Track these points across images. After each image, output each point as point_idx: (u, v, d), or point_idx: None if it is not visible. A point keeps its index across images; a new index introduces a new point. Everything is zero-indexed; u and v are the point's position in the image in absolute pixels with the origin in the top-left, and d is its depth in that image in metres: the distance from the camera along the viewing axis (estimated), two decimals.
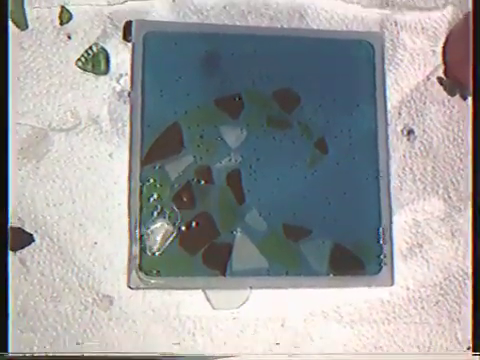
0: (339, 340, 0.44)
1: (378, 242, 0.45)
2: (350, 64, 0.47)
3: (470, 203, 0.46)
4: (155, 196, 0.43)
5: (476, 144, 0.43)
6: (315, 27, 0.47)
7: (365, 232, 0.45)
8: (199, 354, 0.42)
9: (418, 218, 0.46)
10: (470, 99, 0.49)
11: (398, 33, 0.48)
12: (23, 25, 0.44)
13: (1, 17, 0.41)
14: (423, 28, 0.49)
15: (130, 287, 0.42)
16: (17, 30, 0.44)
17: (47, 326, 0.41)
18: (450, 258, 0.46)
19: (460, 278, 0.46)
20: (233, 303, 0.43)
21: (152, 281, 0.42)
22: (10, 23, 0.44)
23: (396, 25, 0.48)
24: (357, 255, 0.44)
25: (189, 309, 0.43)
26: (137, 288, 0.42)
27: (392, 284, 0.44)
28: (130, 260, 0.42)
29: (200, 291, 0.43)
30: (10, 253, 0.41)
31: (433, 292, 0.45)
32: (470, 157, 0.47)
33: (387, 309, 0.45)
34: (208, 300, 0.43)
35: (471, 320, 0.39)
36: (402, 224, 0.46)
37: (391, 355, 0.44)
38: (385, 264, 0.44)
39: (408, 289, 0.45)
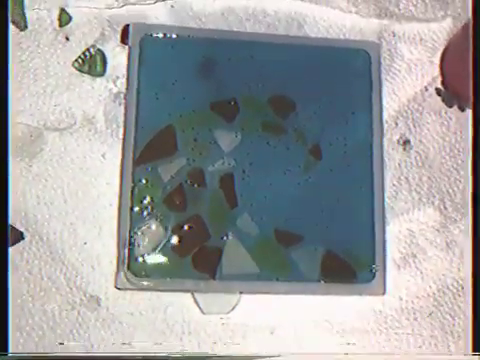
0: (328, 349, 0.43)
1: (371, 251, 0.44)
2: (347, 72, 0.47)
3: (470, 207, 0.45)
4: (147, 197, 0.43)
5: (476, 154, 0.43)
6: (313, 36, 0.48)
7: (358, 240, 0.44)
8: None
9: (413, 228, 0.46)
10: (469, 110, 0.48)
11: (396, 43, 0.48)
12: (22, 26, 0.45)
13: (1, 18, 0.41)
14: (421, 39, 0.49)
15: (117, 288, 0.41)
16: (16, 30, 0.44)
17: (33, 325, 0.41)
18: (444, 269, 0.45)
19: (454, 290, 0.45)
20: (222, 308, 0.43)
21: (140, 282, 0.41)
22: (10, 24, 0.44)
23: (394, 35, 0.49)
24: (349, 263, 0.44)
25: (177, 313, 0.42)
26: (125, 289, 0.41)
27: (384, 293, 0.43)
28: (119, 261, 0.41)
29: (189, 295, 0.42)
30: None
31: (426, 303, 0.45)
32: (470, 165, 0.46)
33: (379, 319, 0.44)
34: (197, 304, 0.42)
35: (471, 320, 0.38)
36: (396, 234, 0.46)
37: (391, 355, 0.43)
38: (377, 272, 0.43)
39: (401, 299, 0.44)
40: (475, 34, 0.43)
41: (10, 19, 0.44)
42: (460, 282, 0.45)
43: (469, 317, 0.43)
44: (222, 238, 0.43)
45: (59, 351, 0.41)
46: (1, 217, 0.38)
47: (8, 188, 0.40)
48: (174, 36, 0.45)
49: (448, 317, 0.45)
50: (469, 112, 0.48)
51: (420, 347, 0.44)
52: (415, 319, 0.44)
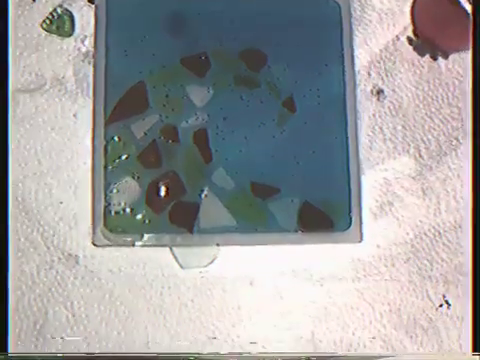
0: (308, 298, 0.43)
1: (347, 200, 0.44)
2: (317, 24, 0.47)
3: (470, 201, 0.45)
4: (121, 155, 0.43)
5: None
6: None
7: (334, 190, 0.45)
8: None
9: (389, 177, 0.46)
10: (441, 59, 0.48)
11: None
12: None
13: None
14: None
15: (95, 245, 0.41)
16: None
17: (12, 286, 0.41)
18: (421, 216, 0.46)
19: (431, 236, 0.45)
20: (201, 261, 0.43)
21: (117, 239, 0.41)
22: None
23: None
24: (326, 213, 0.44)
25: (156, 268, 0.43)
26: (102, 245, 0.41)
27: (361, 240, 0.44)
28: (95, 218, 0.41)
29: (167, 250, 0.43)
30: None
31: (404, 250, 0.45)
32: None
33: (357, 267, 0.44)
34: (175, 259, 0.42)
35: (471, 320, 0.38)
36: (372, 183, 0.46)
37: (391, 355, 0.44)
38: (353, 220, 0.44)
39: (378, 247, 0.45)
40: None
41: None
42: (437, 228, 0.46)
43: (469, 318, 0.43)
44: (198, 193, 0.43)
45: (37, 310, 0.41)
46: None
47: (8, 189, 0.39)
48: None
49: (426, 262, 0.45)
50: (442, 61, 0.48)
51: (399, 292, 0.44)
52: (393, 265, 0.45)
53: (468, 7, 0.41)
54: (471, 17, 0.44)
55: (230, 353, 0.42)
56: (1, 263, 0.38)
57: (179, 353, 0.42)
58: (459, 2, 0.41)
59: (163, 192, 0.42)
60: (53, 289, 0.41)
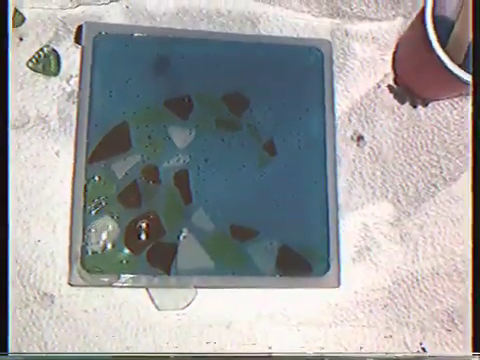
0: (285, 342, 0.43)
1: (325, 244, 0.44)
2: (300, 70, 0.48)
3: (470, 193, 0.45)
4: (100, 195, 0.43)
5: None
6: (266, 34, 0.48)
7: (312, 234, 0.45)
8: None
9: (367, 222, 0.46)
10: (421, 108, 0.49)
11: (348, 42, 0.49)
12: None
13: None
14: (373, 38, 0.50)
15: (71, 284, 0.41)
16: None
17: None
18: (399, 262, 0.46)
19: (409, 282, 0.46)
20: (178, 304, 0.43)
21: (94, 279, 0.41)
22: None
23: (347, 34, 0.50)
24: (304, 257, 0.44)
25: (132, 309, 0.42)
26: (78, 285, 0.41)
27: (338, 285, 0.44)
28: (71, 257, 0.41)
29: (144, 291, 0.42)
30: None
31: (381, 296, 0.45)
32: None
33: (334, 312, 0.44)
34: (152, 300, 0.42)
35: (471, 320, 0.38)
36: (351, 228, 0.46)
37: (391, 355, 0.43)
38: (331, 265, 0.44)
39: (356, 292, 0.45)
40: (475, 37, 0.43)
41: None
42: (414, 274, 0.46)
43: (469, 318, 0.43)
44: (177, 234, 0.43)
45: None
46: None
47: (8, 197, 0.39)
48: (128, 34, 0.46)
49: (403, 309, 0.45)
50: (421, 109, 0.49)
51: (376, 339, 0.44)
52: (370, 311, 0.45)
53: (445, 57, 0.42)
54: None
55: (231, 353, 0.42)
56: (1, 263, 0.37)
57: (180, 353, 0.41)
58: (434, 50, 0.42)
59: (142, 233, 0.42)
60: (27, 328, 0.41)
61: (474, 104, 0.39)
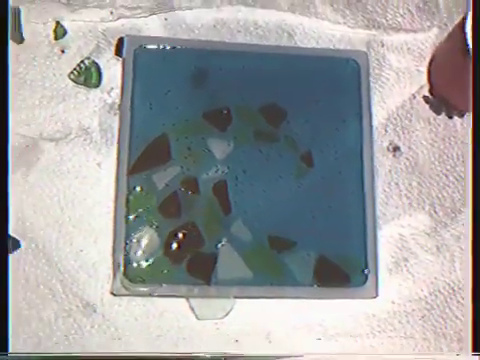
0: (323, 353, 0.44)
1: (363, 255, 0.45)
2: (336, 81, 0.48)
3: (470, 210, 0.45)
4: (141, 205, 0.43)
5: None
6: (303, 46, 0.49)
7: (350, 245, 0.45)
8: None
9: (404, 233, 0.47)
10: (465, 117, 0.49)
11: (384, 53, 0.50)
12: (19, 39, 0.46)
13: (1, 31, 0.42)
14: (409, 49, 0.50)
15: (113, 294, 0.42)
16: (13, 44, 0.46)
17: (29, 332, 0.41)
18: (436, 273, 0.46)
19: (446, 293, 0.46)
20: (217, 313, 0.43)
21: (135, 288, 0.42)
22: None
23: (382, 45, 0.50)
24: (342, 267, 0.44)
25: (172, 318, 0.43)
26: (120, 295, 0.42)
27: (376, 296, 0.44)
28: (114, 267, 0.42)
29: (184, 301, 0.43)
30: None
31: (418, 306, 0.45)
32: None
33: (372, 323, 0.45)
34: (192, 310, 0.43)
35: (471, 320, 0.38)
36: (388, 238, 0.46)
37: (390, 355, 0.44)
38: (369, 276, 0.44)
39: (393, 303, 0.45)
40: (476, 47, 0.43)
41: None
42: (451, 285, 0.46)
43: (469, 318, 0.43)
44: (216, 244, 0.44)
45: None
46: (1, 225, 0.38)
47: (8, 198, 0.40)
48: (167, 47, 0.46)
49: (440, 320, 0.45)
50: (457, 119, 0.49)
51: (413, 350, 0.44)
52: (407, 322, 0.45)
53: None
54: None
55: (233, 353, 0.42)
56: (1, 263, 0.37)
57: (181, 353, 0.42)
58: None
59: (182, 243, 0.43)
60: (70, 337, 0.42)
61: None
